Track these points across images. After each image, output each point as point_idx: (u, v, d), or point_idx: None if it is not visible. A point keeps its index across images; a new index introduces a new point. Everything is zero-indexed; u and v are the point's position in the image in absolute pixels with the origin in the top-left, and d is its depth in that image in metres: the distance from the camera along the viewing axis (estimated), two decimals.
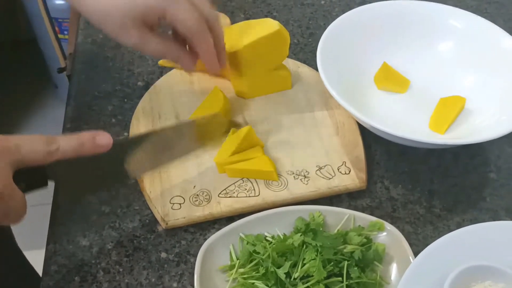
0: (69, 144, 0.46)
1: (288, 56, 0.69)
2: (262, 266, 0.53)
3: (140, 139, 0.55)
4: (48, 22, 1.63)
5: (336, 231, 0.57)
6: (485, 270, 0.49)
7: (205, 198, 0.60)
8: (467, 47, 0.72)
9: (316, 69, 0.68)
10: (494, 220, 0.61)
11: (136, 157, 0.54)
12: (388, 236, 0.56)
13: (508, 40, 0.69)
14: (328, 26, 0.70)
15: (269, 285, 0.52)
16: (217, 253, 0.55)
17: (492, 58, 0.70)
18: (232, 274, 0.54)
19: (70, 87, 0.74)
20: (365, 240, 0.55)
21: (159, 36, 0.58)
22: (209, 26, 0.58)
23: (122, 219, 0.60)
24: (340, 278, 0.52)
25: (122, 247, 0.58)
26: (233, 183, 0.61)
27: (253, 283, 0.52)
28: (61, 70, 1.28)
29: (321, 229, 0.55)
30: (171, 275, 0.56)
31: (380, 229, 0.56)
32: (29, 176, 0.46)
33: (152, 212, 0.60)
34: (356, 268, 0.52)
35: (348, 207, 0.61)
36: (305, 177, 0.62)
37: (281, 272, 0.52)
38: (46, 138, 0.45)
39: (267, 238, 0.56)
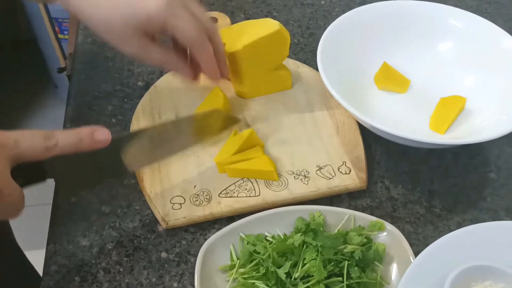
0: (67, 139, 0.46)
1: (288, 56, 0.69)
2: (262, 266, 0.53)
3: (139, 134, 0.55)
4: (48, 22, 1.63)
5: (336, 231, 0.57)
6: (486, 270, 0.49)
7: (206, 198, 0.60)
8: (467, 47, 0.72)
9: (316, 69, 0.68)
10: (494, 220, 0.61)
11: (135, 151, 0.53)
12: (389, 236, 0.56)
13: (508, 40, 0.69)
14: (328, 26, 0.70)
15: (270, 285, 0.52)
16: (218, 253, 0.55)
17: (492, 58, 0.70)
18: (232, 274, 0.54)
19: (70, 87, 0.74)
20: (365, 240, 0.55)
21: (160, 46, 0.58)
22: (209, 36, 0.58)
23: (123, 219, 0.60)
24: (340, 278, 0.52)
25: (123, 247, 0.58)
26: (234, 183, 0.61)
27: (253, 283, 0.52)
28: (61, 70, 1.28)
29: (321, 229, 0.55)
30: (171, 275, 0.56)
31: (381, 229, 0.56)
32: (27, 171, 0.45)
33: (152, 212, 0.60)
34: (356, 268, 0.52)
35: (349, 207, 0.61)
36: (305, 177, 0.62)
37: (281, 272, 0.52)
38: (44, 133, 0.45)
39: (268, 238, 0.56)
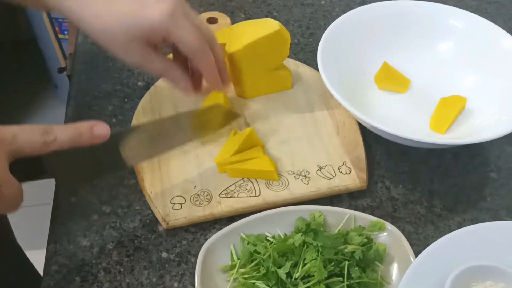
0: (66, 134, 0.46)
1: (289, 56, 0.69)
2: (263, 266, 0.53)
3: (138, 129, 0.55)
4: (48, 22, 1.63)
5: (336, 231, 0.57)
6: (486, 270, 0.49)
7: (206, 198, 0.60)
8: (467, 47, 0.72)
9: (317, 69, 0.68)
10: (494, 219, 0.61)
11: (134, 145, 0.53)
12: (389, 236, 0.56)
13: (508, 40, 0.69)
14: (328, 26, 0.70)
15: (270, 285, 0.52)
16: (218, 253, 0.55)
17: (492, 58, 0.70)
18: (233, 274, 0.54)
19: (71, 87, 0.74)
20: (365, 240, 0.55)
21: (162, 56, 0.59)
22: (209, 46, 0.58)
23: (123, 219, 0.60)
24: (341, 278, 0.52)
25: (123, 247, 0.58)
26: (234, 183, 0.61)
27: (254, 283, 0.52)
28: (61, 70, 1.28)
29: (321, 229, 0.55)
30: (172, 275, 0.56)
31: (381, 229, 0.57)
32: (26, 166, 0.45)
33: (152, 212, 0.60)
34: (357, 268, 0.52)
35: (349, 207, 0.61)
36: (305, 177, 0.62)
37: (282, 272, 0.52)
38: (43, 128, 0.45)
39: (268, 238, 0.56)
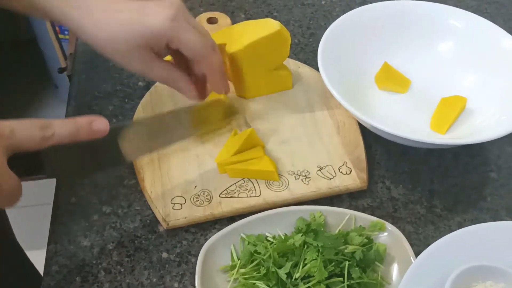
0: (65, 129, 0.46)
1: (289, 56, 0.69)
2: (263, 266, 0.53)
3: (138, 124, 0.55)
4: (48, 22, 1.63)
5: (337, 231, 0.57)
6: (486, 270, 0.49)
7: (206, 198, 0.60)
8: (467, 47, 0.72)
9: (317, 69, 0.68)
10: (494, 219, 0.61)
11: (133, 140, 0.53)
12: (389, 236, 0.56)
13: (508, 40, 0.69)
14: (328, 26, 0.70)
15: (270, 285, 0.52)
16: (218, 253, 0.55)
17: (492, 58, 0.70)
18: (233, 274, 0.54)
19: (71, 87, 0.74)
20: (366, 240, 0.55)
21: (166, 62, 0.58)
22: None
23: (123, 219, 0.60)
24: (341, 279, 0.52)
25: (123, 247, 0.58)
26: (234, 183, 0.61)
27: (254, 284, 0.52)
28: (61, 70, 1.28)
29: (322, 229, 0.55)
30: (172, 275, 0.56)
31: (381, 229, 0.57)
32: (24, 161, 0.45)
33: (153, 212, 0.60)
34: (357, 269, 0.52)
35: (349, 207, 0.61)
36: (306, 177, 0.62)
37: (282, 273, 0.52)
38: (41, 123, 0.45)
39: (268, 238, 0.56)
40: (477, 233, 0.53)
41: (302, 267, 0.52)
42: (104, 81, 0.74)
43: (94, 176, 0.63)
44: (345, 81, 0.67)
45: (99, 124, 0.48)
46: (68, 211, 0.61)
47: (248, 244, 0.55)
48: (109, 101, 0.72)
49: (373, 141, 0.67)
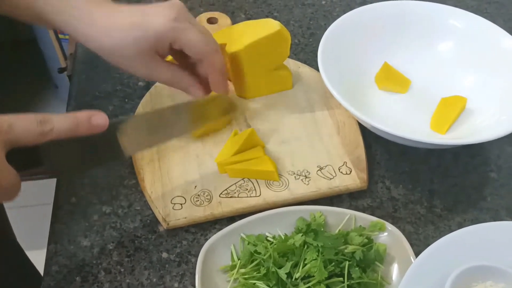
0: (63, 124, 0.45)
1: (289, 56, 0.69)
2: (263, 266, 0.53)
3: (137, 118, 0.55)
4: None
5: (337, 231, 0.57)
6: (486, 270, 0.49)
7: (206, 198, 0.60)
8: (467, 47, 0.72)
9: (317, 69, 0.68)
10: (494, 219, 0.61)
11: (132, 135, 0.53)
12: (389, 236, 0.56)
13: (508, 40, 0.69)
14: (329, 26, 0.70)
15: (270, 285, 0.52)
16: (218, 253, 0.55)
17: (492, 58, 0.70)
18: (233, 274, 0.54)
19: (71, 87, 0.74)
20: (366, 240, 0.55)
21: (171, 64, 0.59)
22: None
23: (123, 219, 0.60)
24: (341, 279, 0.52)
25: (123, 248, 0.58)
26: (234, 183, 0.61)
27: (254, 284, 0.52)
28: (61, 70, 1.28)
29: (322, 229, 0.55)
30: (172, 275, 0.56)
31: (381, 229, 0.57)
32: (22, 155, 0.45)
33: (153, 212, 0.60)
34: (357, 269, 0.52)
35: (349, 207, 0.61)
36: (306, 177, 0.62)
37: (282, 273, 0.52)
38: (40, 117, 0.44)
39: (268, 238, 0.56)
40: (477, 233, 0.53)
41: (302, 267, 0.52)
42: (104, 81, 0.74)
43: (93, 173, 0.63)
44: (345, 81, 0.67)
45: (99, 119, 0.48)
46: (68, 211, 0.61)
47: (248, 244, 0.55)
48: (109, 101, 0.72)
49: (373, 141, 0.67)
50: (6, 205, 0.83)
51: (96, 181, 0.63)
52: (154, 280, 0.56)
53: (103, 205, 0.61)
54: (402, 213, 0.61)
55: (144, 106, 0.69)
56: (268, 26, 0.65)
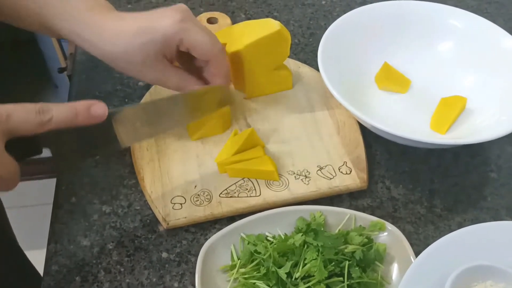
0: (62, 114, 0.45)
1: (289, 56, 0.69)
2: (263, 266, 0.53)
3: (135, 109, 0.54)
4: None
5: (337, 231, 0.57)
6: (486, 270, 0.49)
7: (206, 198, 0.60)
8: (467, 47, 0.72)
9: (317, 69, 0.68)
10: (495, 219, 0.61)
11: (128, 124, 0.53)
12: (389, 236, 0.56)
13: (508, 40, 0.69)
14: (329, 26, 0.70)
15: (270, 285, 0.52)
16: (218, 253, 0.55)
17: (492, 58, 0.70)
18: (233, 274, 0.54)
19: (71, 87, 0.74)
20: (366, 240, 0.55)
21: (178, 69, 0.59)
22: None
23: (123, 219, 0.60)
24: (341, 278, 0.52)
25: (123, 247, 0.58)
26: (234, 183, 0.61)
27: (254, 283, 0.52)
28: (61, 70, 1.28)
29: (322, 229, 0.55)
30: (172, 275, 0.56)
31: (381, 229, 0.57)
32: (22, 145, 0.45)
33: (153, 212, 0.60)
34: (357, 268, 0.52)
35: (349, 207, 0.61)
36: (306, 177, 0.62)
37: (282, 272, 0.52)
38: (39, 107, 0.44)
39: (268, 238, 0.56)
40: (477, 233, 0.53)
41: (302, 267, 0.52)
42: (104, 81, 0.74)
43: (93, 172, 0.63)
44: (345, 81, 0.67)
45: (98, 109, 0.48)
46: (68, 211, 0.61)
47: (248, 244, 0.55)
48: (109, 101, 0.72)
49: (373, 141, 0.67)
50: (6, 205, 0.83)
51: (96, 181, 0.63)
52: (154, 279, 0.56)
53: (103, 205, 0.61)
54: (402, 213, 0.61)
55: None
56: (268, 26, 0.65)
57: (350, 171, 0.62)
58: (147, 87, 0.72)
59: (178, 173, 0.62)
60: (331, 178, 0.62)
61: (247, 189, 0.61)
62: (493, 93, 0.68)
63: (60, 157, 0.50)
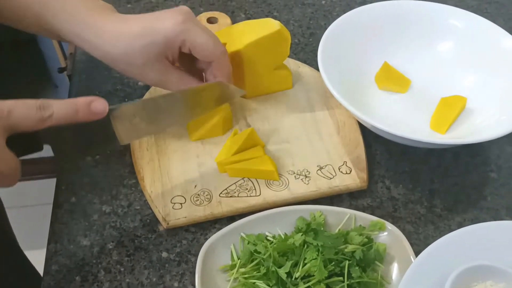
0: (63, 110, 0.45)
1: (289, 56, 0.69)
2: (263, 265, 0.53)
3: (134, 106, 0.54)
4: None
5: (337, 230, 0.57)
6: (486, 270, 0.49)
7: (206, 198, 0.60)
8: (467, 47, 0.72)
9: (317, 69, 0.68)
10: (495, 219, 0.61)
11: (127, 121, 0.52)
12: (389, 235, 0.56)
13: (508, 40, 0.69)
14: (328, 26, 0.70)
15: (270, 284, 0.52)
16: (218, 253, 0.55)
17: (492, 58, 0.70)
18: (233, 273, 0.54)
19: (71, 87, 0.74)
20: (366, 239, 0.55)
21: (180, 70, 0.59)
22: None
23: (123, 218, 0.60)
24: (341, 278, 0.52)
25: (123, 247, 0.58)
26: (234, 183, 0.61)
27: (254, 283, 0.52)
28: (61, 70, 1.28)
29: (322, 228, 0.55)
30: (172, 275, 0.56)
31: (381, 228, 0.57)
32: (23, 141, 0.45)
33: (153, 212, 0.60)
34: (357, 268, 0.52)
35: (349, 207, 0.61)
36: (306, 176, 0.62)
37: (282, 272, 0.52)
38: (39, 103, 0.44)
39: (268, 237, 0.56)
40: (477, 233, 0.53)
41: (302, 267, 0.52)
42: (104, 81, 0.74)
43: (93, 172, 0.63)
44: (345, 81, 0.67)
45: (98, 105, 0.48)
46: (68, 211, 0.61)
47: (248, 243, 0.55)
48: (109, 101, 0.70)
49: (373, 140, 0.67)
50: (6, 205, 0.83)
51: (96, 181, 0.63)
52: (154, 279, 0.56)
53: (103, 205, 0.61)
54: (402, 213, 0.61)
55: None
56: (268, 26, 0.65)
57: (350, 171, 0.62)
58: (147, 86, 0.72)
59: (178, 172, 0.62)
60: (331, 178, 0.62)
61: (247, 188, 0.61)
62: (493, 93, 0.68)
63: (61, 154, 0.50)
